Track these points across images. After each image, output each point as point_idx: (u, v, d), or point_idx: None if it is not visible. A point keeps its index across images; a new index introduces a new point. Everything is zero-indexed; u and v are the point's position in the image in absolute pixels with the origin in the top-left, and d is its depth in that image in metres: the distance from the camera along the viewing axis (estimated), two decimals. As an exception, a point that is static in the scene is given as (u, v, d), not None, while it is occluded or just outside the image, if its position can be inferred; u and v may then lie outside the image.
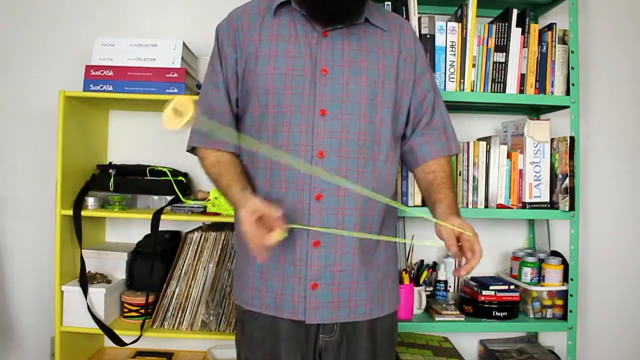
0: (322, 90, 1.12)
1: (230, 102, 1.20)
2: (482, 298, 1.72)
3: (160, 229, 1.66)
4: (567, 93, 1.72)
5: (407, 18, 1.66)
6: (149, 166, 1.79)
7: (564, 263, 1.75)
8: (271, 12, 1.16)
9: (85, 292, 1.62)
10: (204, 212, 1.69)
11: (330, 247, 1.13)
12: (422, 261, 1.90)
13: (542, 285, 1.75)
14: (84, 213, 1.66)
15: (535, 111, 1.95)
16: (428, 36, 1.67)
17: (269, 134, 1.14)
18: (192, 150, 1.25)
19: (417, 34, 1.66)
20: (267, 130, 1.14)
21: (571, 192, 1.66)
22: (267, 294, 1.16)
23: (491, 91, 1.71)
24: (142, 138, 1.97)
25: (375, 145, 1.17)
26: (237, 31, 1.17)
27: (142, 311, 1.68)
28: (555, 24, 1.73)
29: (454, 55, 1.69)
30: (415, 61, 1.24)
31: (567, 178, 1.67)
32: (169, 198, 1.78)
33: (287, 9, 1.16)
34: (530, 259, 1.78)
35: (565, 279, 1.72)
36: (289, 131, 1.12)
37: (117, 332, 1.64)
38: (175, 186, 1.76)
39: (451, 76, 1.69)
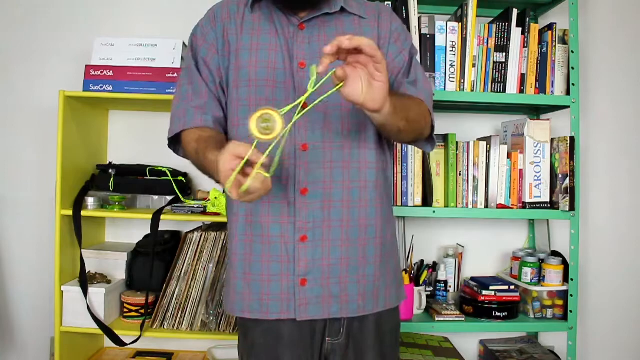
0: (300, 83, 1.11)
1: (215, 89, 1.18)
2: (482, 298, 1.72)
3: (160, 229, 1.66)
4: (567, 93, 1.72)
5: (407, 18, 1.66)
6: (148, 166, 1.79)
7: (564, 263, 1.75)
8: (249, 6, 1.17)
9: (85, 292, 1.62)
10: (203, 212, 1.69)
11: (317, 241, 1.11)
12: (422, 261, 1.90)
13: (542, 286, 1.75)
14: (83, 213, 1.66)
15: (536, 111, 1.95)
16: (428, 36, 1.67)
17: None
18: (174, 143, 1.20)
19: (417, 34, 1.67)
20: (247, 124, 1.12)
21: (571, 192, 1.66)
22: (251, 295, 1.12)
23: (491, 91, 1.71)
24: (142, 138, 1.97)
25: (361, 134, 1.14)
26: (217, 21, 1.17)
27: (142, 311, 1.68)
28: (555, 24, 1.73)
29: (454, 55, 1.69)
30: (389, 41, 1.19)
31: (567, 178, 1.67)
32: (169, 198, 1.78)
33: (266, 4, 1.17)
34: (531, 259, 1.78)
35: (566, 279, 1.72)
36: None
37: (117, 332, 1.64)
38: (175, 186, 1.76)
39: (451, 76, 1.69)
